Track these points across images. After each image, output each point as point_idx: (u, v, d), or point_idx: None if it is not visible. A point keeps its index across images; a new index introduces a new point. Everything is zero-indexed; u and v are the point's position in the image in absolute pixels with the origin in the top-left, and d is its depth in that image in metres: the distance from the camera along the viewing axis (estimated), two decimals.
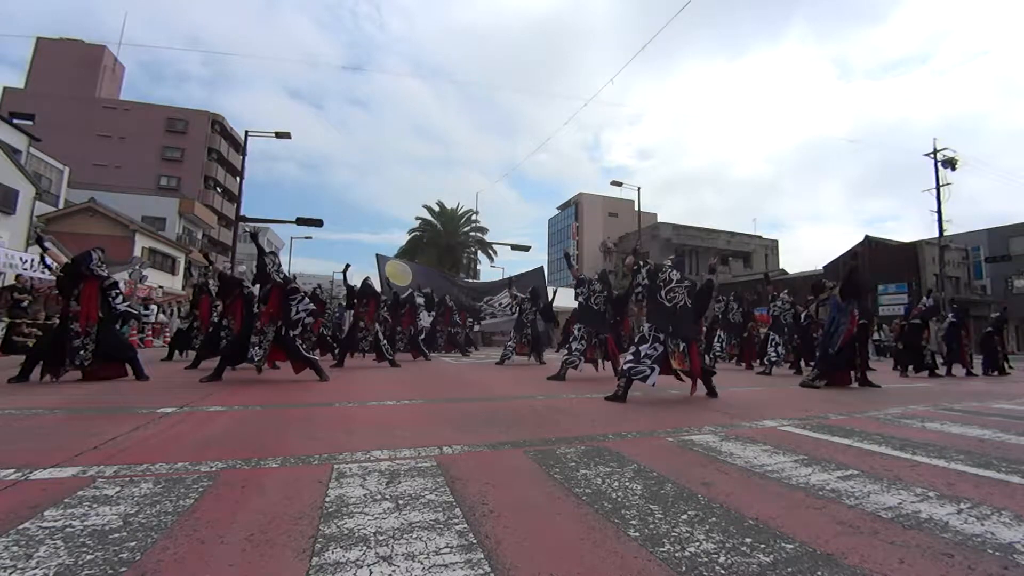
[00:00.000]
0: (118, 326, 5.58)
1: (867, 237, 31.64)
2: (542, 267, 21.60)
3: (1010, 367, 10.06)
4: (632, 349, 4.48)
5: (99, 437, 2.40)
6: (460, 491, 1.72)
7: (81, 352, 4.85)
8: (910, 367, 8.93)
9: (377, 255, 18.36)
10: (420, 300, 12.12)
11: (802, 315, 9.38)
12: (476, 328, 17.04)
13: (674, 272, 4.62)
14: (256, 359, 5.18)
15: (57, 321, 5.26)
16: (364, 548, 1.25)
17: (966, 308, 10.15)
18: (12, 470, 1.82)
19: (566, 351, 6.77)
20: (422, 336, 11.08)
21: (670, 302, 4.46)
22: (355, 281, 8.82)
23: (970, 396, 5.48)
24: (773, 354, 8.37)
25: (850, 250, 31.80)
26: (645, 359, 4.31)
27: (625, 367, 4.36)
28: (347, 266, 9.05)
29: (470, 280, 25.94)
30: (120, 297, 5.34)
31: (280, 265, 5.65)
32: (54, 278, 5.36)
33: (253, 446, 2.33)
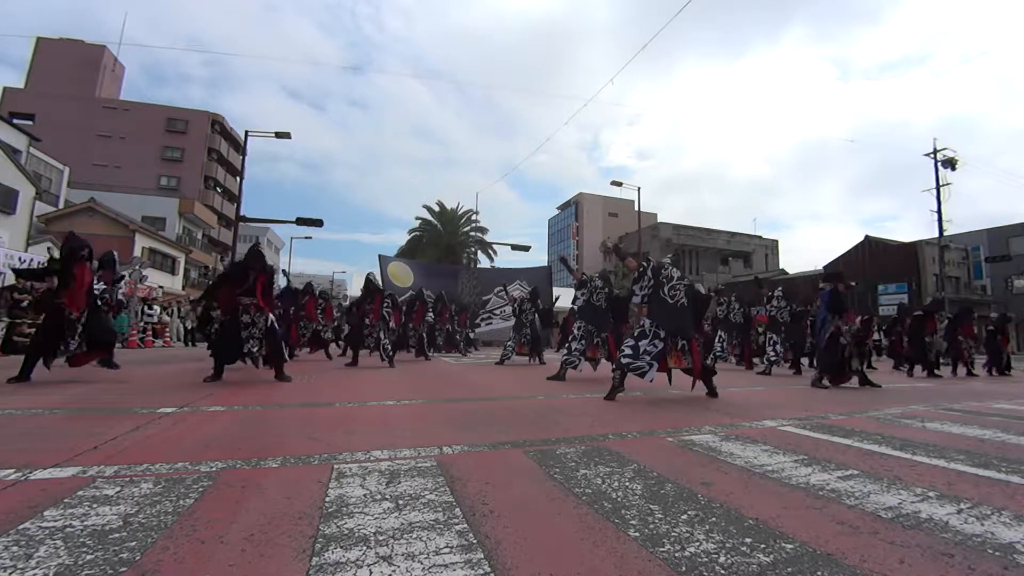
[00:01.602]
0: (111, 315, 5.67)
1: (867, 237, 31.69)
2: (549, 267, 21.60)
3: (1010, 367, 10.06)
4: (630, 343, 4.42)
5: (99, 437, 2.39)
6: (460, 491, 1.72)
7: (73, 340, 4.88)
8: (916, 367, 8.96)
9: (380, 256, 18.55)
10: (431, 298, 12.35)
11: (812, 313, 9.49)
12: (472, 335, 16.99)
13: (675, 270, 4.62)
14: (254, 350, 5.16)
15: (44, 313, 5.23)
16: (364, 548, 1.25)
17: (969, 308, 10.15)
18: (12, 470, 1.82)
19: (565, 351, 6.76)
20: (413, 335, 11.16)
21: (672, 299, 4.45)
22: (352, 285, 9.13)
23: (970, 396, 5.48)
24: (772, 354, 8.40)
25: (830, 269, 31.78)
26: (644, 355, 4.29)
27: (623, 360, 4.33)
28: (308, 283, 9.92)
29: (482, 268, 25.91)
30: (102, 284, 5.40)
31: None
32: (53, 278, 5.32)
33: (253, 446, 2.33)
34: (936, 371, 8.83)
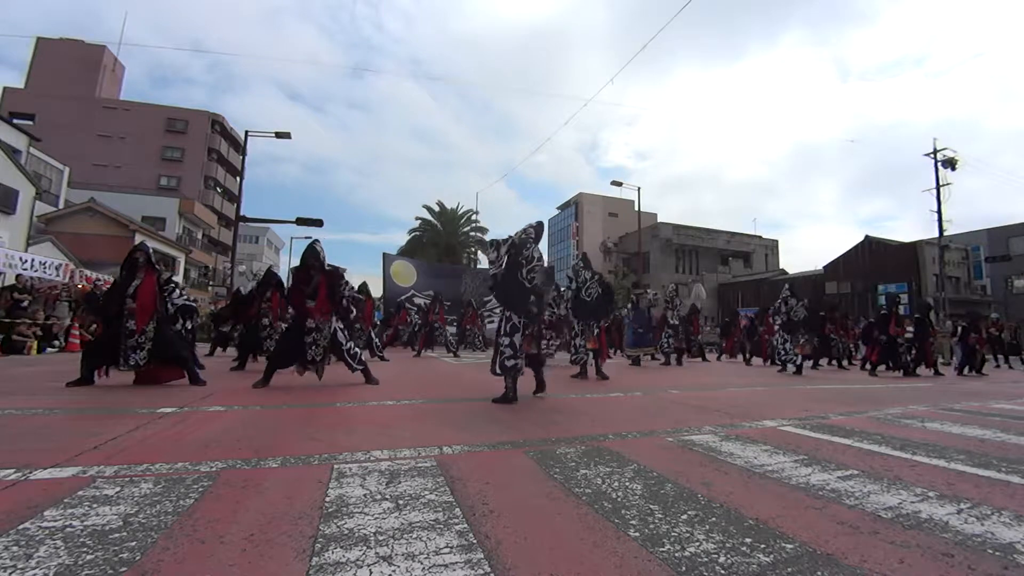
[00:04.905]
0: (179, 325, 5.21)
1: (867, 237, 31.71)
2: (552, 267, 21.65)
3: (1008, 367, 10.05)
4: (507, 341, 4.12)
5: (99, 437, 2.39)
6: (460, 491, 1.72)
7: (137, 352, 4.51)
8: (880, 367, 8.94)
9: (384, 254, 18.69)
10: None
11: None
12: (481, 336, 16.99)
13: (533, 253, 4.34)
14: (317, 359, 4.86)
15: (101, 320, 4.91)
16: (364, 548, 1.25)
17: (928, 306, 10.11)
18: (12, 470, 1.82)
19: (572, 350, 6.75)
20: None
21: (530, 282, 4.21)
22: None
23: (970, 396, 5.48)
24: (782, 352, 8.51)
25: (830, 268, 31.76)
26: (521, 350, 4.13)
27: (507, 364, 4.06)
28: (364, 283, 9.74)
29: (485, 268, 25.96)
30: (177, 291, 4.99)
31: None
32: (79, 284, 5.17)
33: (253, 446, 2.33)
34: (912, 371, 8.80)
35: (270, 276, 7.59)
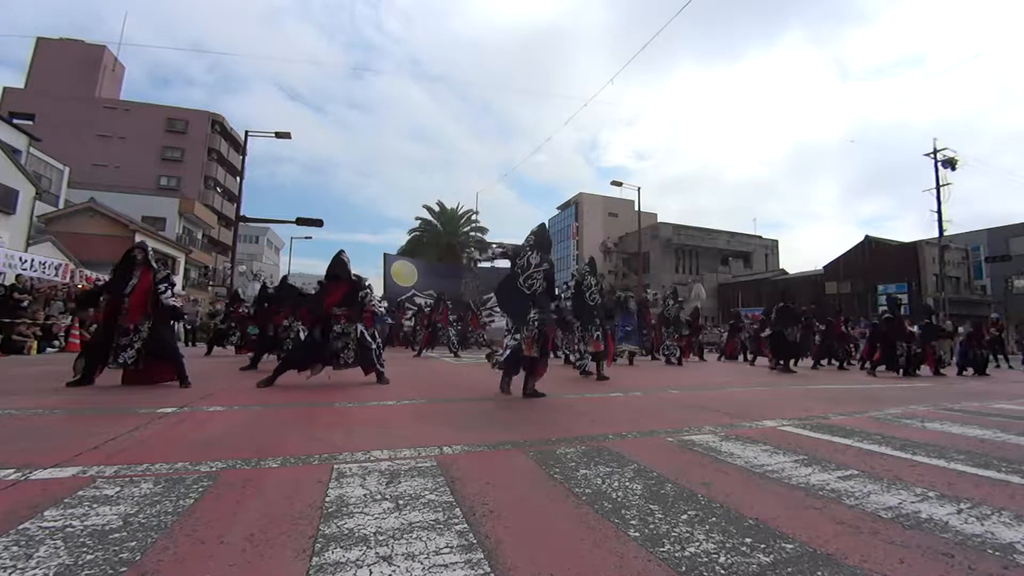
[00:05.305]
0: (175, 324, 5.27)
1: (867, 237, 31.73)
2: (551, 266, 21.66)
3: (1008, 367, 10.08)
4: (505, 337, 4.40)
5: (99, 437, 2.39)
6: (460, 491, 1.72)
7: (127, 351, 4.46)
8: (880, 367, 8.95)
9: (385, 254, 18.78)
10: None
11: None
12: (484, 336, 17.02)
13: (533, 256, 4.38)
14: (349, 361, 5.04)
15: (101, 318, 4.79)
16: (364, 548, 1.25)
17: (931, 309, 10.26)
18: (12, 470, 1.82)
19: (577, 354, 6.84)
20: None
21: (529, 289, 4.35)
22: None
23: (970, 396, 5.48)
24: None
25: (830, 269, 31.74)
26: (506, 348, 4.31)
27: (500, 355, 4.33)
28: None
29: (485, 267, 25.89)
30: (169, 292, 4.92)
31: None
32: (82, 283, 5.04)
33: (253, 446, 2.33)
34: (911, 371, 8.80)
35: (288, 289, 7.66)
